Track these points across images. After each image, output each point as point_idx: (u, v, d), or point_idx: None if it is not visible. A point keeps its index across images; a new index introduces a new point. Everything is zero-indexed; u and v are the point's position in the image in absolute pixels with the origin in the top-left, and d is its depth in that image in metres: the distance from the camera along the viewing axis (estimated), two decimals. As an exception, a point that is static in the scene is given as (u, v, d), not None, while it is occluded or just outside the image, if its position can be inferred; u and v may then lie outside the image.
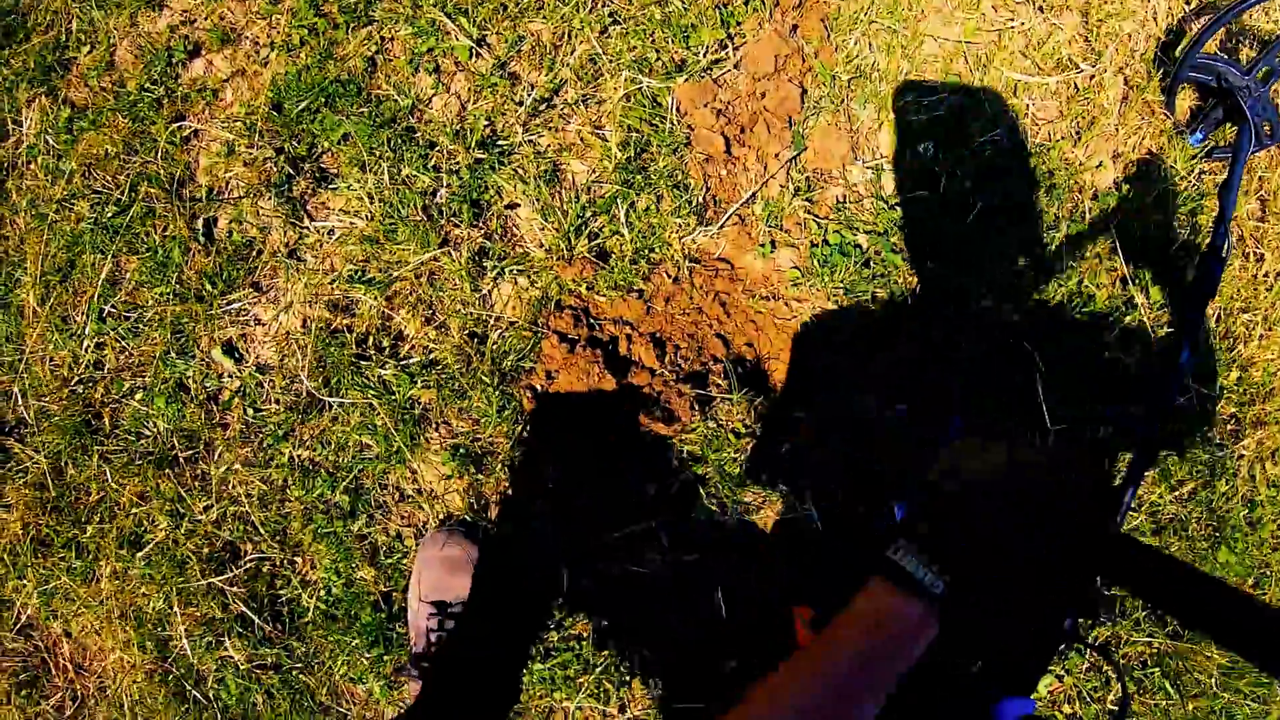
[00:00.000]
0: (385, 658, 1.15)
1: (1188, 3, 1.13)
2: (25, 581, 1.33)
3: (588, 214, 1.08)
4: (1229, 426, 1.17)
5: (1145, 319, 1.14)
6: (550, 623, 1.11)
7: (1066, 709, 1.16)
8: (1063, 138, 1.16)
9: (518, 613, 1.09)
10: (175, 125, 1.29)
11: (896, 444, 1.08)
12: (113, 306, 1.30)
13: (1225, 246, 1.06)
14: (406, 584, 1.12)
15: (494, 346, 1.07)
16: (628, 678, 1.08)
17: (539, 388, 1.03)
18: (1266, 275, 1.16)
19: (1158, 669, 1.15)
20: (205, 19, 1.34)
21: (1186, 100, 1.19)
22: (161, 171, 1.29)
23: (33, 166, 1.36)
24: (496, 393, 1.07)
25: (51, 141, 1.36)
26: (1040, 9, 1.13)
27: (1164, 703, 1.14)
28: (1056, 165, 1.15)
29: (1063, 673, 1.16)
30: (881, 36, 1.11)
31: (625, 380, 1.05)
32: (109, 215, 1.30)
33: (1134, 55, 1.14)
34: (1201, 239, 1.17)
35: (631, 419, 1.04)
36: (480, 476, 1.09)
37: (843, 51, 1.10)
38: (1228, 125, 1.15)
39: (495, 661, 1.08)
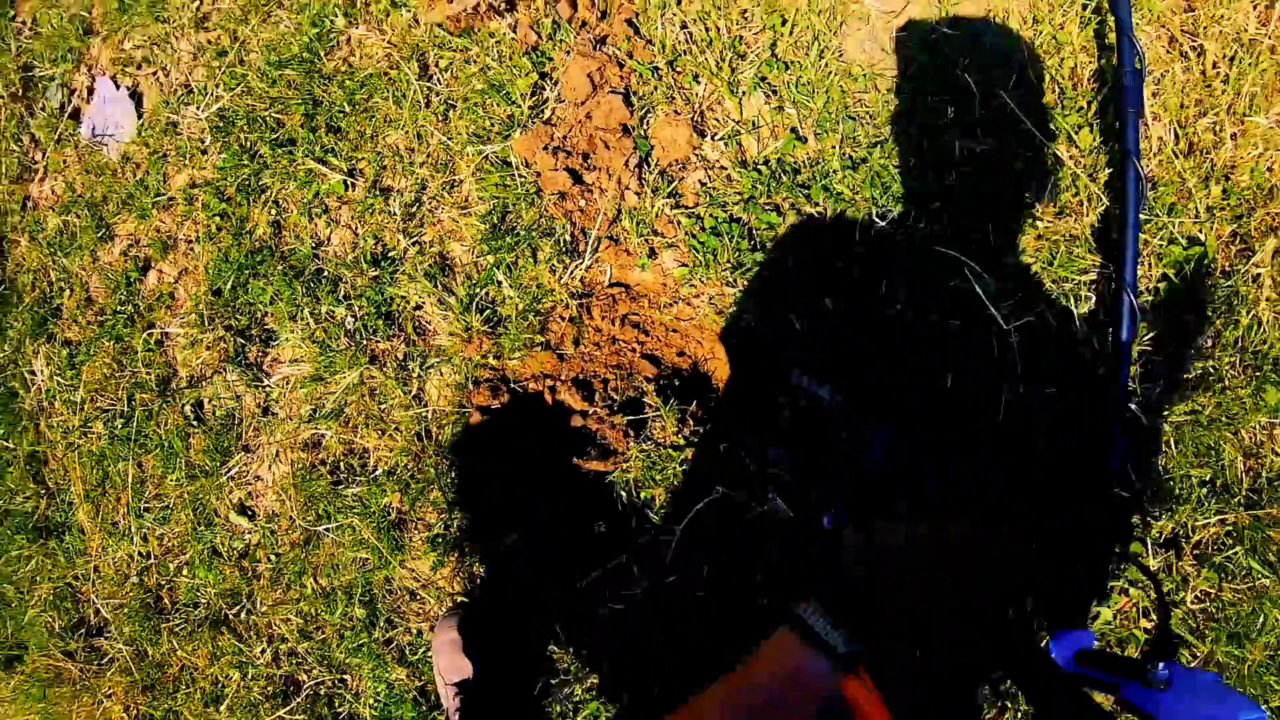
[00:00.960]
0: (440, 746, 1.21)
1: None
2: (146, 757, 1.50)
3: (477, 290, 1.14)
4: (1233, 248, 0.99)
5: (1079, 170, 1.00)
6: (569, 678, 1.14)
7: (1144, 623, 1.03)
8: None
9: (515, 670, 1.13)
10: (147, 334, 1.48)
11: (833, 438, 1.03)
12: (146, 503, 1.48)
13: (1136, 58, 0.94)
14: (434, 673, 1.19)
15: (437, 439, 1.14)
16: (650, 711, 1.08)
17: (475, 460, 1.08)
18: (1216, 68, 0.99)
19: (1239, 547, 0.96)
20: (146, 236, 1.54)
21: None
22: (148, 377, 1.48)
23: (55, 405, 1.59)
24: (450, 479, 1.13)
25: (61, 380, 1.58)
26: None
27: (1262, 584, 0.98)
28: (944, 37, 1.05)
29: (1127, 585, 1.02)
30: (693, 6, 1.12)
31: (563, 427, 1.09)
32: (119, 428, 1.50)
33: None
34: (1107, 61, 1.01)
35: (569, 465, 1.07)
36: (464, 560, 1.15)
37: (657, 41, 1.12)
38: None
39: (512, 716, 1.12)
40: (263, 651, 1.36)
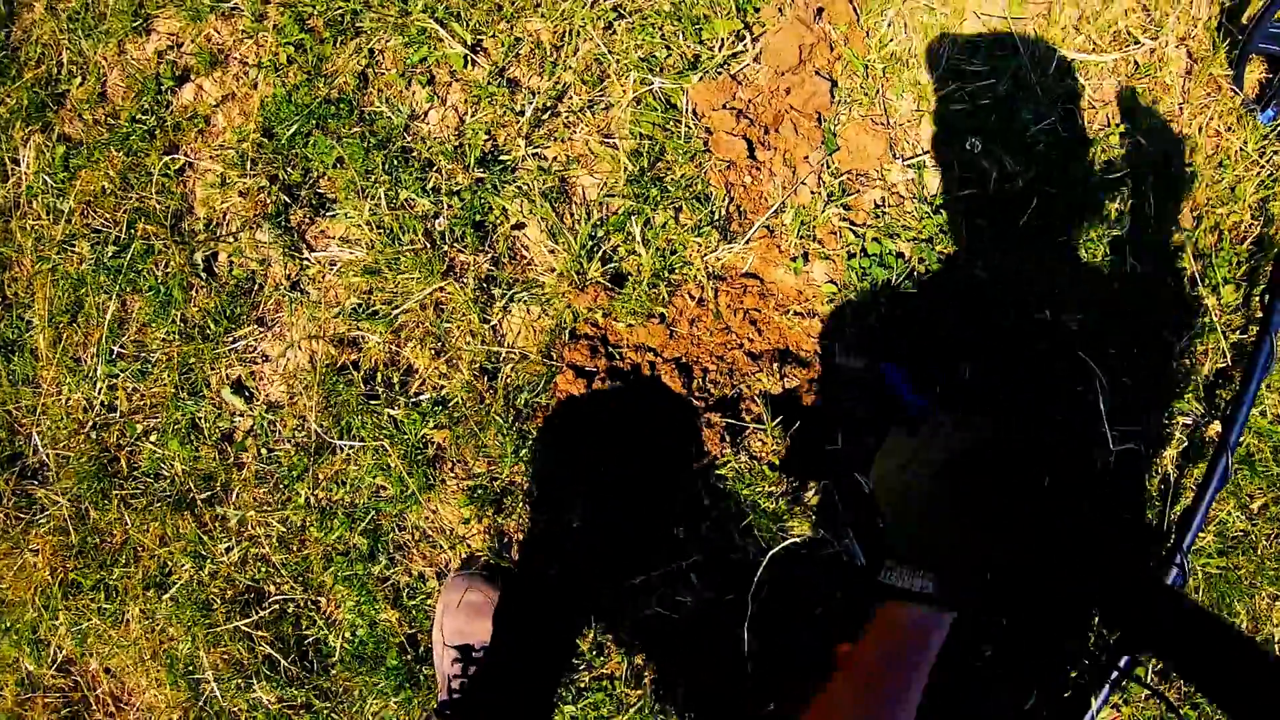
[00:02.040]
0: (413, 700, 1.12)
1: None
2: (58, 623, 1.33)
3: (600, 234, 0.99)
4: None
5: (1216, 322, 1.03)
6: (580, 663, 1.06)
7: None
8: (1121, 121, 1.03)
9: (542, 656, 1.05)
10: (169, 158, 1.24)
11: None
12: (121, 347, 1.27)
13: None
14: (431, 626, 1.08)
15: (506, 382, 1.01)
16: (662, 719, 1.03)
17: (557, 421, 0.96)
18: None
19: None
20: (192, 42, 1.27)
21: (1255, 73, 1.06)
22: (158, 206, 1.25)
23: (34, 206, 1.33)
24: (512, 431, 1.00)
25: (49, 181, 1.32)
26: (1099, -29, 0.99)
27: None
28: (1116, 154, 1.02)
29: (1121, 702, 1.08)
30: (918, 16, 0.99)
31: (650, 411, 0.98)
32: (109, 255, 1.27)
33: (1197, 24, 1.01)
34: (1275, 231, 1.05)
35: (658, 453, 0.97)
36: (499, 519, 1.03)
37: (875, 36, 0.99)
38: None
39: (521, 706, 1.04)
40: (228, 550, 1.21)
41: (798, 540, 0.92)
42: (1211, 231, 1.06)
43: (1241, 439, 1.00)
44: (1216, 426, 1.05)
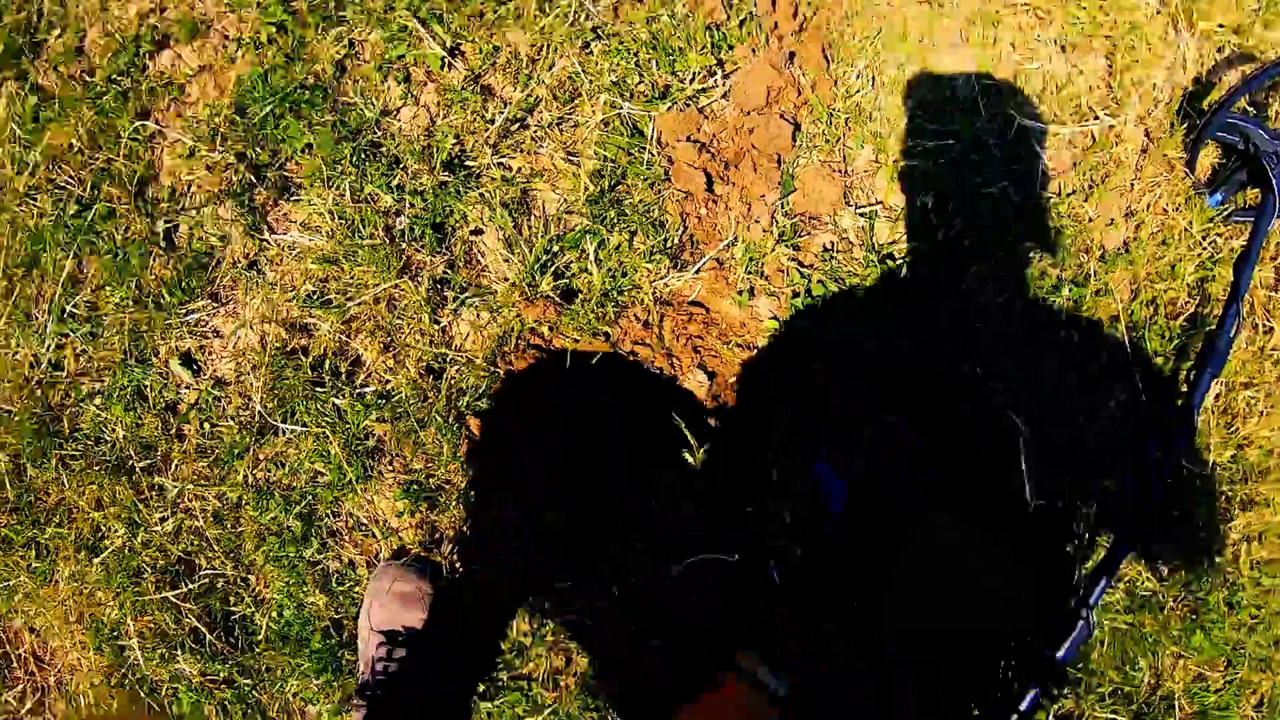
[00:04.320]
0: (334, 684, 1.14)
1: (1220, 50, 1.04)
2: (-14, 577, 1.33)
3: (555, 249, 1.02)
4: (1219, 504, 1.12)
5: (1143, 395, 1.08)
6: (500, 662, 1.09)
7: None
8: (1074, 191, 1.08)
9: (469, 650, 1.07)
10: (140, 123, 1.24)
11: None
12: (74, 307, 1.26)
13: (1235, 325, 0.99)
14: (358, 612, 1.10)
15: (450, 383, 1.03)
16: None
17: (490, 427, 0.99)
18: (1275, 349, 1.09)
19: None
20: (175, 8, 1.27)
21: (1208, 158, 1.11)
22: (124, 170, 1.24)
23: (1, 154, 1.31)
24: (451, 432, 1.02)
25: (18, 130, 1.30)
26: (1063, 49, 1.04)
27: None
28: (1065, 222, 1.07)
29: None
30: (887, 71, 1.02)
31: (587, 421, 1.01)
32: (71, 213, 1.26)
33: (1157, 105, 1.05)
34: (1210, 310, 1.10)
35: (594, 462, 1.00)
36: (433, 514, 1.05)
37: (842, 85, 1.02)
38: (1250, 187, 1.07)
39: (441, 697, 1.06)
40: (163, 520, 1.21)
41: (714, 558, 0.95)
42: (1148, 305, 1.11)
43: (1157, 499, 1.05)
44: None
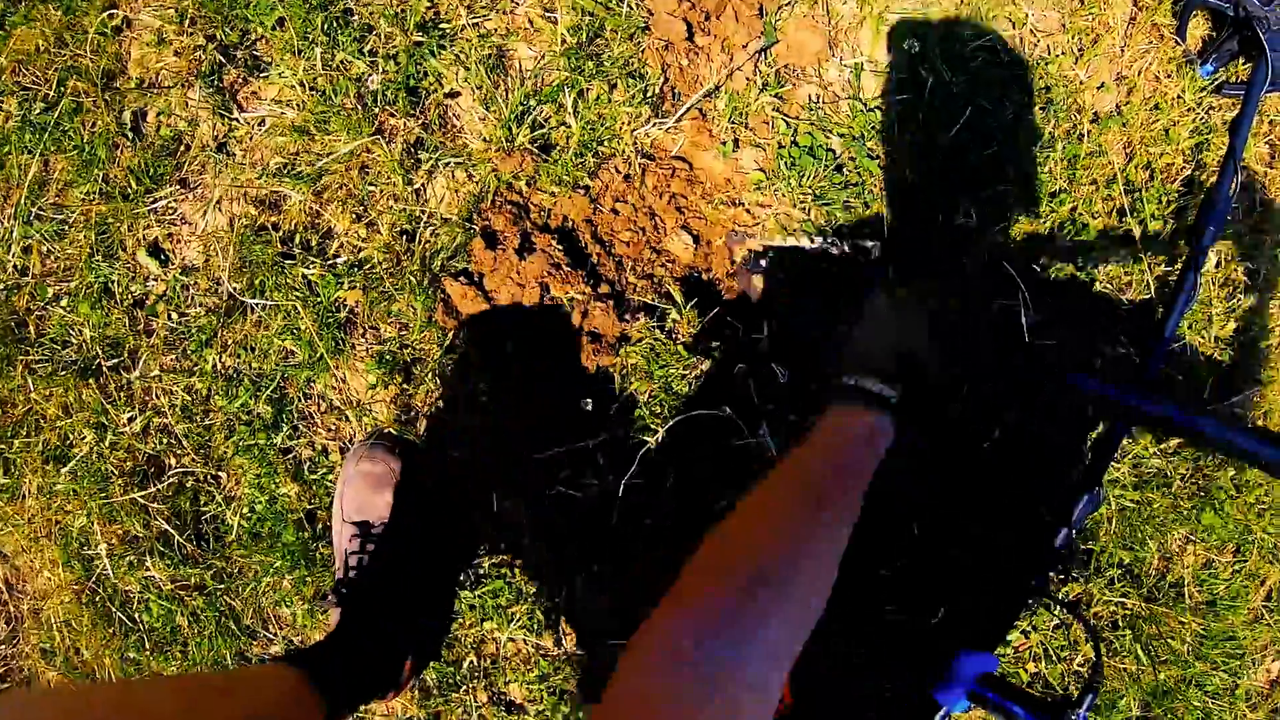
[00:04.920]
0: (308, 580, 1.08)
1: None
2: (-49, 497, 1.27)
3: (532, 103, 0.98)
4: (1221, 380, 1.08)
5: (1141, 255, 1.04)
6: (481, 548, 1.03)
7: (1031, 666, 1.08)
8: (1063, 53, 1.05)
9: (442, 536, 1.02)
10: (106, 14, 1.20)
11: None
12: (40, 209, 1.22)
13: (1233, 184, 0.97)
14: (331, 502, 1.05)
15: (424, 245, 0.99)
16: (560, 609, 1.00)
17: (465, 290, 0.94)
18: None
19: (1129, 631, 1.07)
20: (143, -99, 1.24)
21: (1199, 28, 1.08)
22: (91, 65, 1.20)
23: (-40, 58, 1.27)
24: (425, 296, 0.98)
25: (-19, 33, 1.27)
26: (1047, -105, 1.01)
27: (1133, 667, 1.06)
28: (1055, 81, 1.04)
29: (1029, 629, 1.08)
30: None
31: (564, 285, 0.96)
32: (37, 112, 1.22)
33: None
34: (1207, 177, 1.07)
35: (570, 327, 0.95)
36: (407, 386, 1.01)
37: (822, -69, 0.99)
38: (1241, 60, 1.05)
39: (418, 587, 1.01)
40: (131, 419, 1.16)
41: (701, 414, 0.91)
42: (1143, 169, 1.08)
43: (1158, 374, 1.01)
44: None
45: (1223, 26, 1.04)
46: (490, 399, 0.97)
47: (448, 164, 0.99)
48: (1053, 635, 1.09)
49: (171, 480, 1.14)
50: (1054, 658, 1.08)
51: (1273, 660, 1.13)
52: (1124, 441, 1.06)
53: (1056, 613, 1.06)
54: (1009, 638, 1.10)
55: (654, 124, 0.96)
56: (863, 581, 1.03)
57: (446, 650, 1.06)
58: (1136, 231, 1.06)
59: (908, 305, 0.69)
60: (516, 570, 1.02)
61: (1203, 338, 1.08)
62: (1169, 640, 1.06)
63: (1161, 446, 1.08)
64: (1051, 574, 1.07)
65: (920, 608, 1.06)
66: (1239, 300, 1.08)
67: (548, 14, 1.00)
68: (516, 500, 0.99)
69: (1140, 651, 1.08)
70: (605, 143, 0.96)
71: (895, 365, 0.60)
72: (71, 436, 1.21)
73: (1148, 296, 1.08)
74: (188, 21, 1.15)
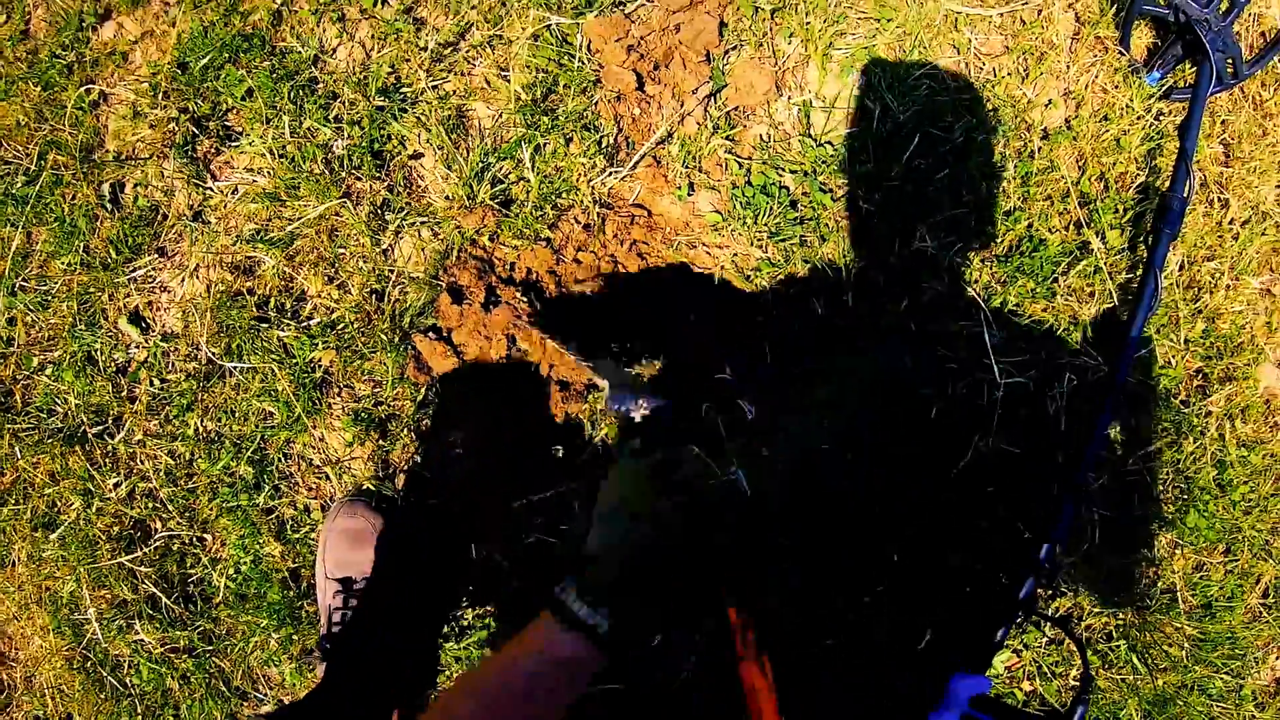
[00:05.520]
0: (294, 638, 1.09)
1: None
2: (-57, 567, 1.29)
3: (491, 159, 1.01)
4: (1195, 382, 1.09)
5: (1102, 264, 1.06)
6: (464, 599, 1.04)
7: (1026, 685, 1.07)
8: (1009, 74, 1.07)
9: (425, 588, 1.03)
10: (84, 89, 1.25)
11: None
12: (24, 280, 1.25)
13: (1187, 186, 0.98)
14: (315, 560, 1.06)
15: (394, 304, 1.01)
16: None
17: (435, 346, 0.96)
18: (1231, 222, 1.08)
19: (1123, 642, 1.06)
20: (116, -19, 1.29)
21: (1143, 38, 1.11)
22: (70, 139, 1.24)
23: (-56, 139, 1.32)
24: (396, 353, 1.00)
25: (-36, 114, 1.31)
26: (979, -70, 1.05)
27: (1130, 677, 1.05)
28: (1002, 101, 1.06)
29: (1021, 647, 1.07)
30: None
31: (531, 341, 0.98)
32: (18, 186, 1.26)
33: None
34: (1161, 181, 1.09)
35: (538, 377, 0.97)
36: (384, 442, 1.02)
37: (764, -21, 1.03)
38: (1187, 64, 1.07)
39: (402, 640, 1.01)
40: (117, 485, 1.18)
41: (676, 452, 0.91)
42: (1097, 180, 1.09)
43: (1126, 378, 1.02)
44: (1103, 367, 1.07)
45: (1166, 33, 1.06)
46: (464, 451, 0.98)
47: (413, 223, 1.02)
48: (1045, 652, 1.08)
49: (158, 544, 1.15)
50: (1048, 674, 1.07)
51: (1277, 658, 1.11)
52: (1102, 451, 1.06)
53: (1047, 629, 1.06)
54: (1000, 657, 1.09)
55: (610, 173, 0.98)
56: (854, 608, 1.03)
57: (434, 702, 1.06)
58: (1095, 242, 1.07)
59: (644, 491, 0.58)
60: (498, 621, 1.03)
61: (1171, 340, 1.09)
62: (1165, 647, 1.05)
63: (1142, 452, 1.08)
64: (1040, 590, 1.07)
65: (910, 632, 1.06)
66: (1204, 301, 1.09)
67: (503, 73, 1.04)
68: (494, 548, 0.99)
69: (1136, 660, 1.07)
70: (564, 194, 0.99)
71: (618, 579, 0.53)
72: (59, 503, 1.23)
73: (1111, 305, 1.08)
74: (161, 95, 1.19)
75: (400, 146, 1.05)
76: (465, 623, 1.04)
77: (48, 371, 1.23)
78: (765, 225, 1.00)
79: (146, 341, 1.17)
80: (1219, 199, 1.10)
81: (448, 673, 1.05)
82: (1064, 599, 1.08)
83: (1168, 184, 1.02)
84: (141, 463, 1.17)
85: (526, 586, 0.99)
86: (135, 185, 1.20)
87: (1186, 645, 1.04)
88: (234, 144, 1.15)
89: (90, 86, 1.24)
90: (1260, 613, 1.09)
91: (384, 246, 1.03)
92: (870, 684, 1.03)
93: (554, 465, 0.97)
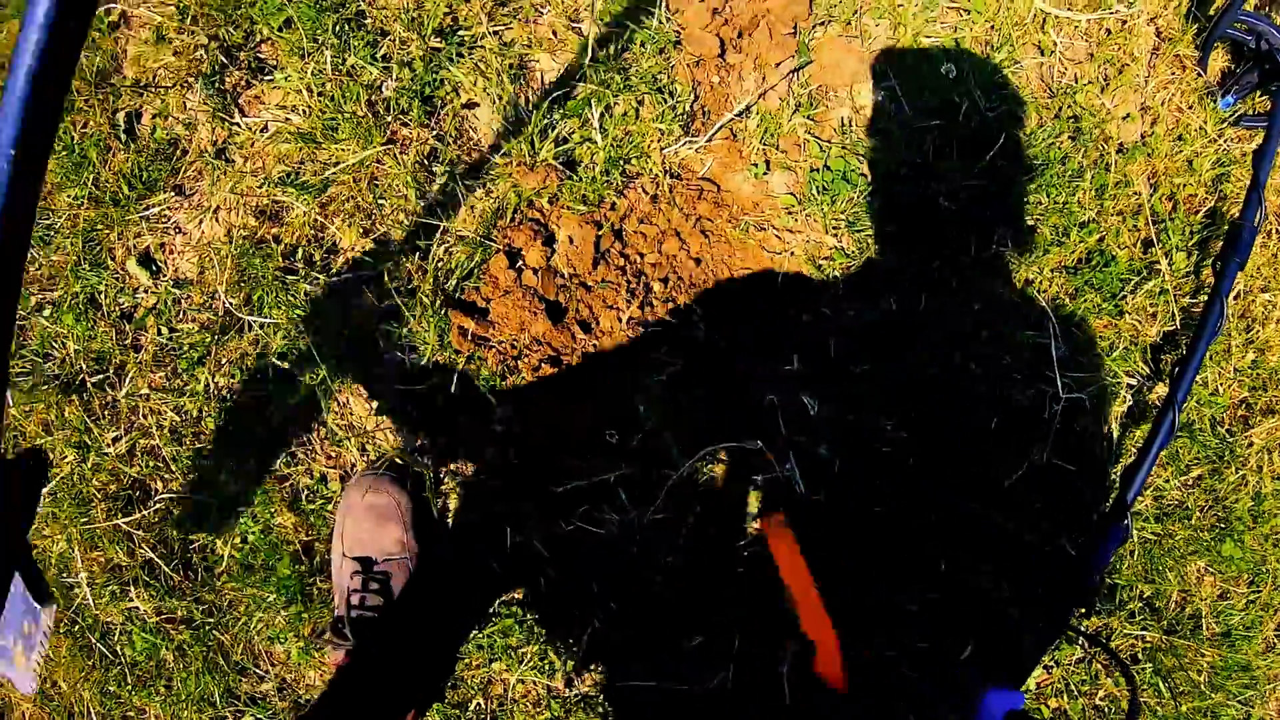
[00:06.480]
0: (304, 616, 1.02)
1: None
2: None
3: (556, 116, 0.93)
4: (1239, 412, 1.07)
5: (1168, 286, 1.02)
6: (499, 596, 0.97)
7: (1054, 702, 1.04)
8: (1090, 82, 1.03)
9: (454, 576, 0.96)
10: (103, 8, 1.14)
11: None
12: (23, 210, 1.15)
13: (1258, 215, 0.96)
14: (330, 534, 0.99)
15: (437, 264, 0.93)
16: (576, 649, 0.95)
17: (480, 312, 0.89)
18: None
19: (1149, 664, 1.05)
20: (143, -108, 1.18)
21: (1219, 60, 1.08)
22: (84, 61, 1.14)
23: (-58, 49, 1.20)
24: (438, 318, 0.92)
25: (-34, 24, 1.20)
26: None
27: (1153, 700, 1.04)
28: (1082, 110, 1.02)
29: (1052, 664, 1.05)
30: None
31: (588, 312, 0.91)
32: (23, 107, 1.15)
33: (1168, 6, 1.02)
34: (1228, 207, 1.06)
35: (593, 356, 0.90)
36: (416, 414, 0.95)
37: (861, -52, 0.95)
38: (1259, 93, 1.04)
39: (429, 630, 0.95)
40: (115, 440, 1.09)
41: (729, 446, 0.86)
42: (1167, 200, 1.07)
43: (1184, 404, 0.99)
44: (1161, 389, 1.05)
45: (1243, 59, 1.04)
46: (506, 430, 0.91)
47: (463, 178, 0.94)
48: (1074, 669, 1.06)
49: (158, 506, 1.07)
50: (1075, 692, 1.05)
51: (1284, 688, 1.12)
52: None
53: (1080, 646, 1.04)
54: (1034, 673, 1.07)
55: (685, 142, 0.91)
56: (891, 619, 0.99)
57: (451, 691, 1.00)
58: (1162, 263, 1.04)
59: None
60: (529, 609, 0.97)
61: (1220, 369, 1.07)
62: (1188, 671, 1.05)
63: (1184, 478, 1.07)
64: (1076, 608, 1.06)
65: (948, 643, 1.02)
66: (1256, 331, 1.07)
67: (573, 24, 0.95)
68: (533, 534, 0.93)
69: (1161, 684, 1.06)
70: (632, 160, 0.92)
71: None
72: (52, 456, 1.14)
73: (1173, 328, 1.06)
74: (189, 19, 1.09)
75: (454, 94, 0.97)
76: (491, 610, 0.98)
77: (46, 312, 1.13)
78: (843, 213, 0.93)
79: (156, 286, 1.08)
80: (1278, 231, 1.08)
81: (468, 661, 0.99)
82: (1095, 618, 1.06)
83: (1238, 211, 0.99)
84: (144, 418, 1.08)
85: (563, 576, 0.93)
86: (154, 116, 1.10)
87: (1207, 671, 1.03)
88: (267, 78, 1.05)
89: (111, 6, 1.14)
90: (1275, 644, 1.10)
91: (429, 200, 0.95)
92: (905, 696, 1.00)
93: (603, 450, 0.90)
